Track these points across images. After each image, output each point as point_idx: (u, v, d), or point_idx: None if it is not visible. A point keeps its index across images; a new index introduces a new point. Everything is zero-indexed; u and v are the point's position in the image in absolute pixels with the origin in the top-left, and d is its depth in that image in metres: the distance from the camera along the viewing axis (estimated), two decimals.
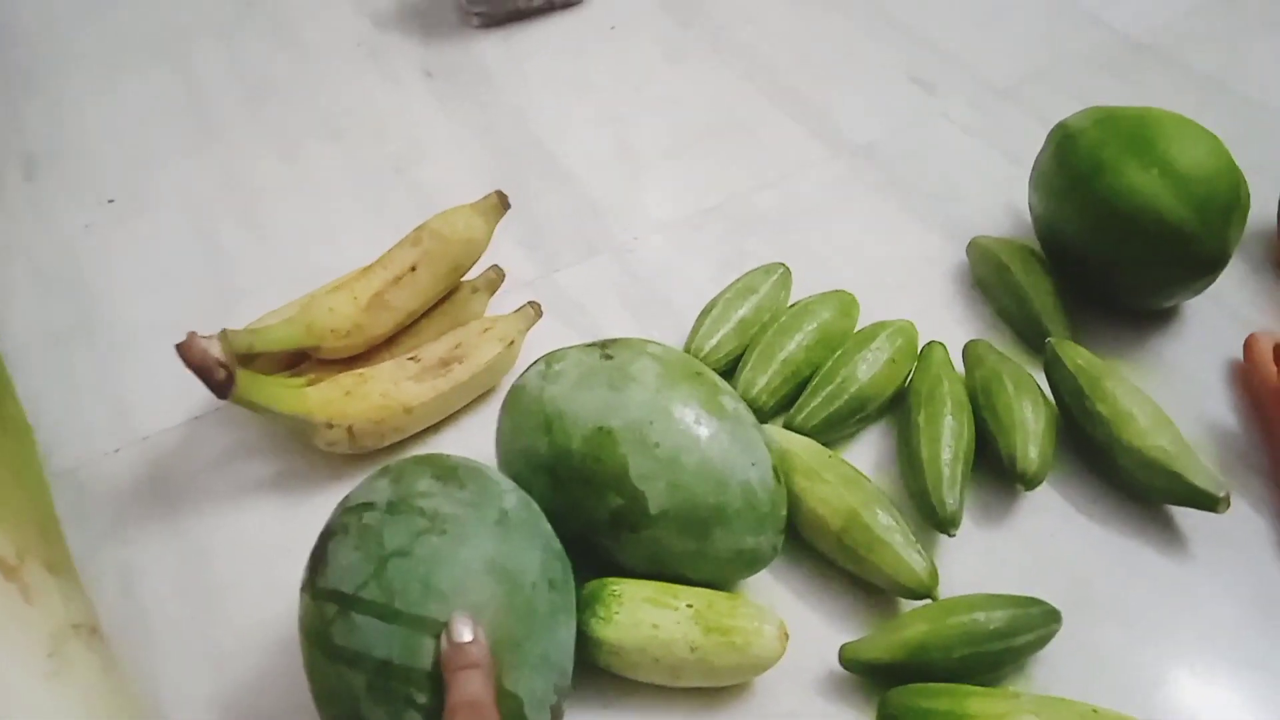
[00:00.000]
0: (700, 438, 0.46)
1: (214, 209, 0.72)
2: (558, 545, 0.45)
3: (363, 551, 0.41)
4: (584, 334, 0.62)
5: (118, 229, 0.71)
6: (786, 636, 0.46)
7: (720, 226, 0.70)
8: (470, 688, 0.37)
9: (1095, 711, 0.43)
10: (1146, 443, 0.51)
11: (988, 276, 0.63)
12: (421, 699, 0.38)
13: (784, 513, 0.48)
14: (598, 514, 0.47)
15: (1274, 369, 0.55)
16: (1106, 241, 0.58)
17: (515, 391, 0.50)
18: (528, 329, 0.59)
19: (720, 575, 0.48)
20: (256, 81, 0.83)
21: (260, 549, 0.53)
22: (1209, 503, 0.50)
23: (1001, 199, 0.70)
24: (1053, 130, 0.62)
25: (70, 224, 0.72)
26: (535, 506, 0.45)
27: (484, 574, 0.40)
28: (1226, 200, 0.56)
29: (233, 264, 0.68)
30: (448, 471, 0.44)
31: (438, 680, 0.38)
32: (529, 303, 0.60)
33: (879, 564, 0.48)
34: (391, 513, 0.41)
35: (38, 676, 0.40)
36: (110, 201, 0.73)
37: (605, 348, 0.50)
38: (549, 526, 0.45)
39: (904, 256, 0.67)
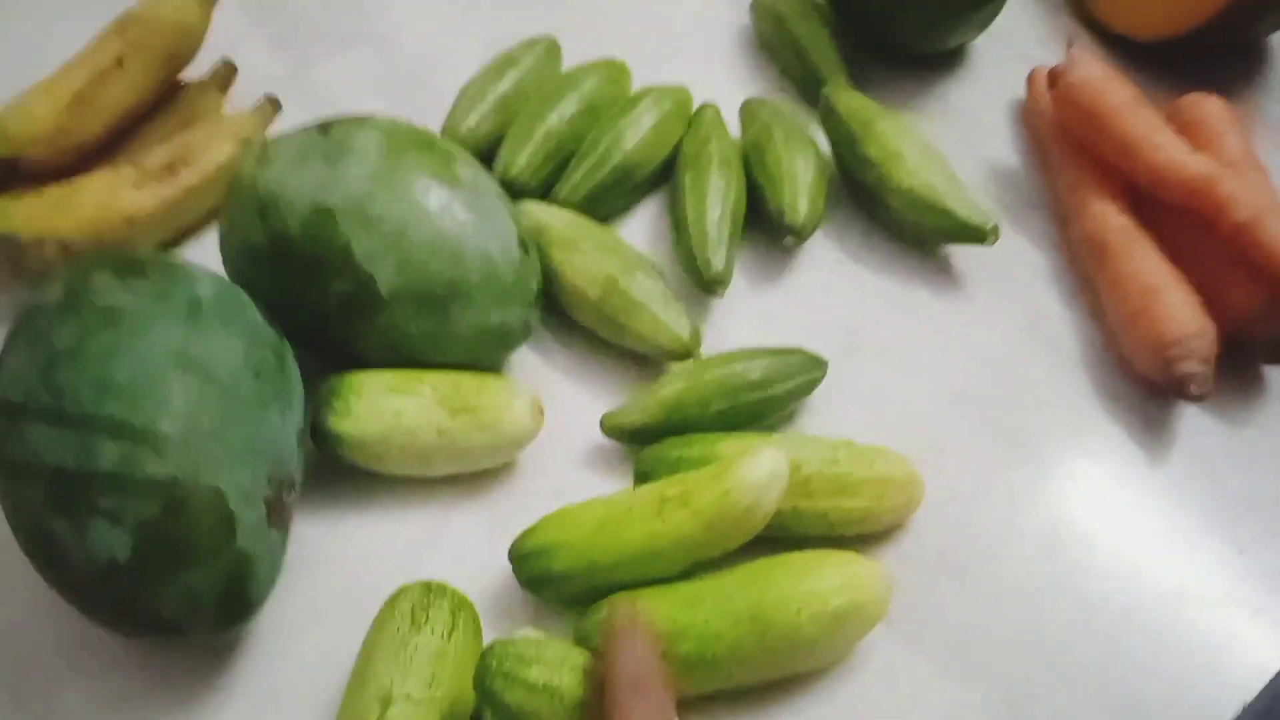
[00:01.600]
0: (430, 209, 0.43)
1: None
2: (271, 334, 0.41)
3: (29, 356, 0.36)
4: None
5: None
6: (541, 411, 0.44)
7: (488, 3, 0.64)
8: (635, 661, 0.33)
9: (847, 444, 0.41)
10: (915, 180, 0.49)
11: (769, 33, 0.60)
12: (106, 503, 0.35)
13: (534, 285, 0.45)
14: (326, 302, 0.43)
15: (1049, 99, 0.53)
16: None
17: (231, 182, 0.45)
18: (265, 127, 0.54)
19: (470, 355, 0.45)
20: None
21: None
22: (978, 235, 0.48)
23: None
24: None
25: None
26: (241, 295, 0.41)
27: (168, 366, 0.37)
28: None
29: None
30: (130, 265, 0.39)
31: (122, 481, 0.34)
32: (265, 97, 0.54)
33: (638, 329, 0.46)
34: (61, 311, 0.37)
35: None
36: None
37: (324, 126, 0.45)
38: (257, 315, 0.41)
39: (688, 19, 0.63)
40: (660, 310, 0.46)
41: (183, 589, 0.36)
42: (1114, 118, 0.48)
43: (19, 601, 0.41)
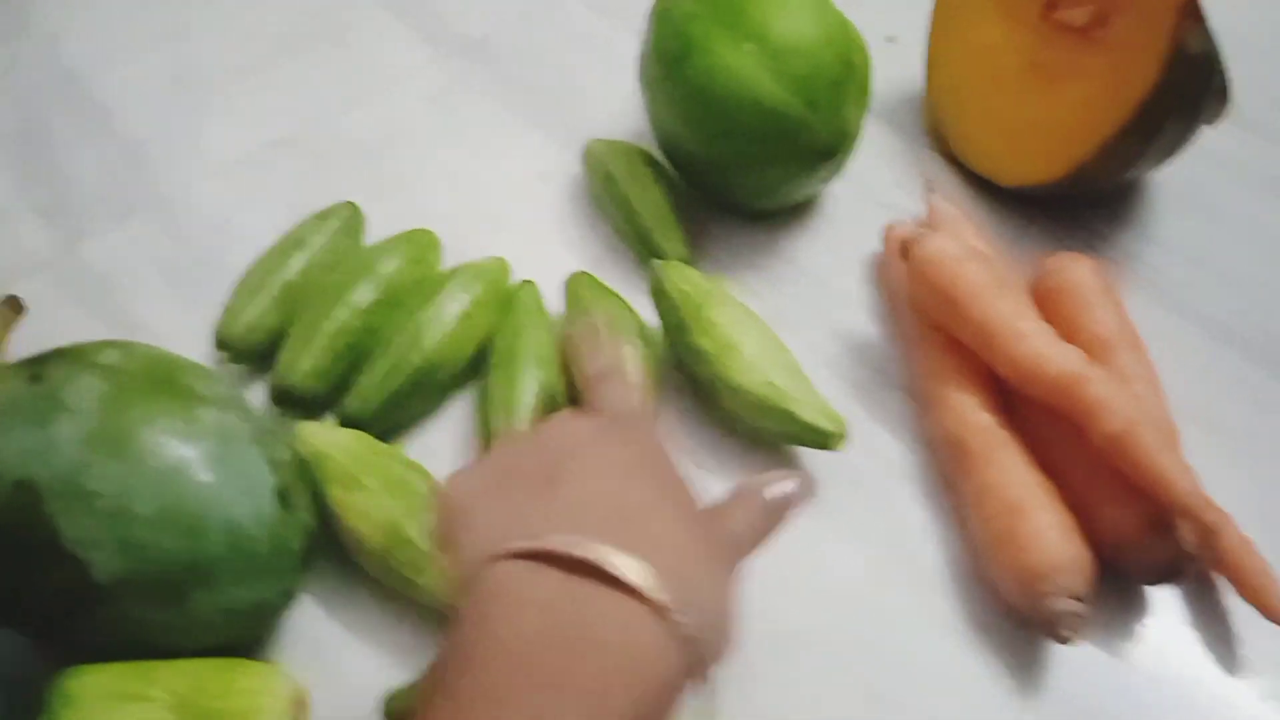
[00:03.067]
0: (161, 474, 0.35)
1: None
2: None
3: None
4: (110, 323, 0.50)
5: None
6: (305, 704, 0.36)
7: (296, 161, 0.57)
8: (613, 355, 0.38)
9: None
10: (750, 379, 0.43)
11: (599, 190, 0.54)
12: None
13: (297, 546, 0.38)
14: (42, 591, 0.35)
15: (902, 269, 0.47)
16: (708, 135, 0.48)
17: None
18: (3, 334, 0.46)
19: (220, 639, 0.37)
20: None
21: None
22: (822, 441, 0.43)
23: (633, 92, 0.59)
24: (654, 6, 0.52)
25: None
26: None
27: None
28: (835, 74, 0.47)
29: None
30: None
31: None
32: (7, 298, 0.47)
33: (429, 584, 0.39)
34: None
35: None
36: None
37: (36, 367, 0.37)
38: None
39: (518, 175, 0.56)
40: None
41: None
42: (971, 301, 0.43)
43: None
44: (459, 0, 0.66)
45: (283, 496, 0.38)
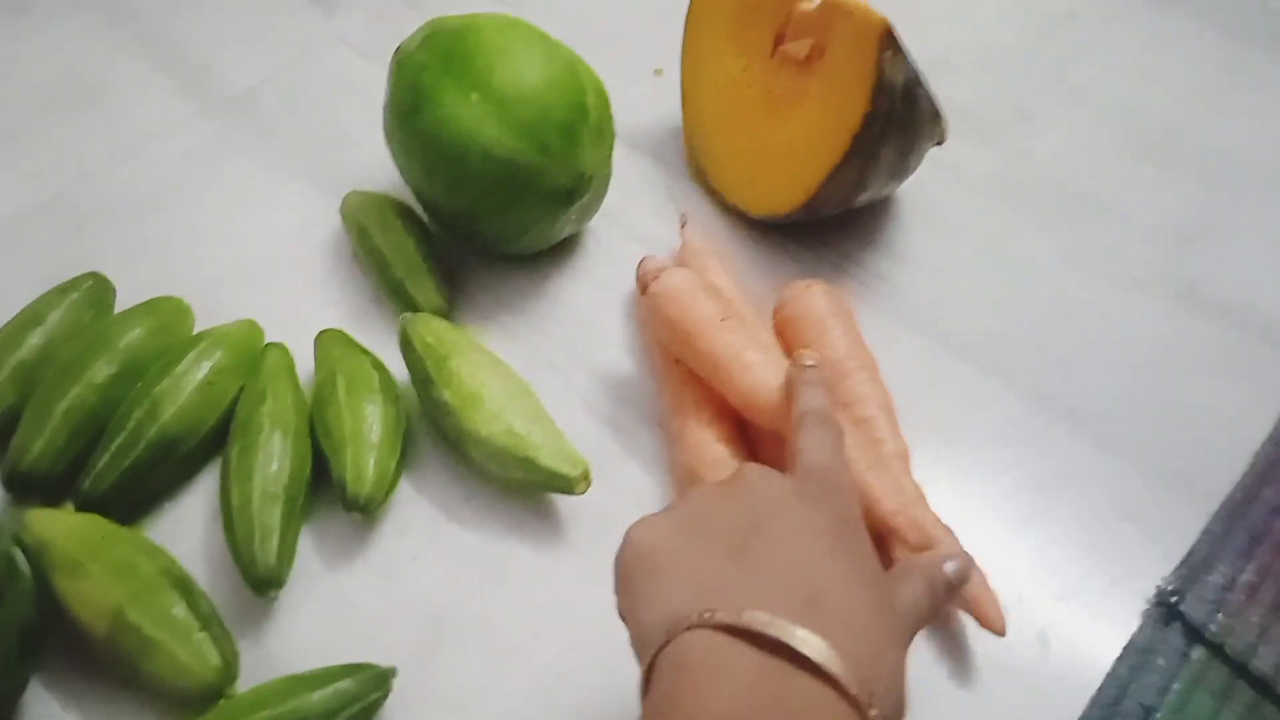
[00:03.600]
0: None
1: None
2: None
3: None
4: None
5: None
6: None
7: (50, 229, 0.56)
8: (816, 399, 0.38)
9: None
10: (492, 428, 0.43)
11: (356, 243, 0.53)
12: None
13: (11, 641, 0.37)
14: None
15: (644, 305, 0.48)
16: (447, 185, 0.49)
17: None
18: None
19: None
20: None
21: None
22: (566, 485, 0.43)
23: None
24: (394, 53, 0.52)
25: None
26: None
27: None
28: (565, 118, 0.47)
29: None
30: None
31: None
32: None
33: (155, 670, 0.38)
34: None
35: None
36: None
37: None
38: None
39: (279, 231, 0.56)
40: (178, 645, 0.38)
41: None
42: (701, 333, 0.44)
43: None
44: (224, 52, 0.65)
45: None
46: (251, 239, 0.55)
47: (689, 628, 0.29)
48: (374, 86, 0.61)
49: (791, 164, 0.50)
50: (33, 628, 0.38)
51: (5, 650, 0.37)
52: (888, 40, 0.45)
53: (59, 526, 0.41)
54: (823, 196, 0.49)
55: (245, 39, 0.66)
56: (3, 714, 0.38)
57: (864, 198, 0.51)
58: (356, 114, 0.61)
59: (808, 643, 0.28)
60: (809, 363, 0.40)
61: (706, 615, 0.29)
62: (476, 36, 0.48)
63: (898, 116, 0.47)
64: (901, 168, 0.50)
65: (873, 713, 0.28)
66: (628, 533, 0.33)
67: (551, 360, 0.50)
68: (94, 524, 0.41)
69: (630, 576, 0.32)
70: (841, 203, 0.50)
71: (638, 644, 0.31)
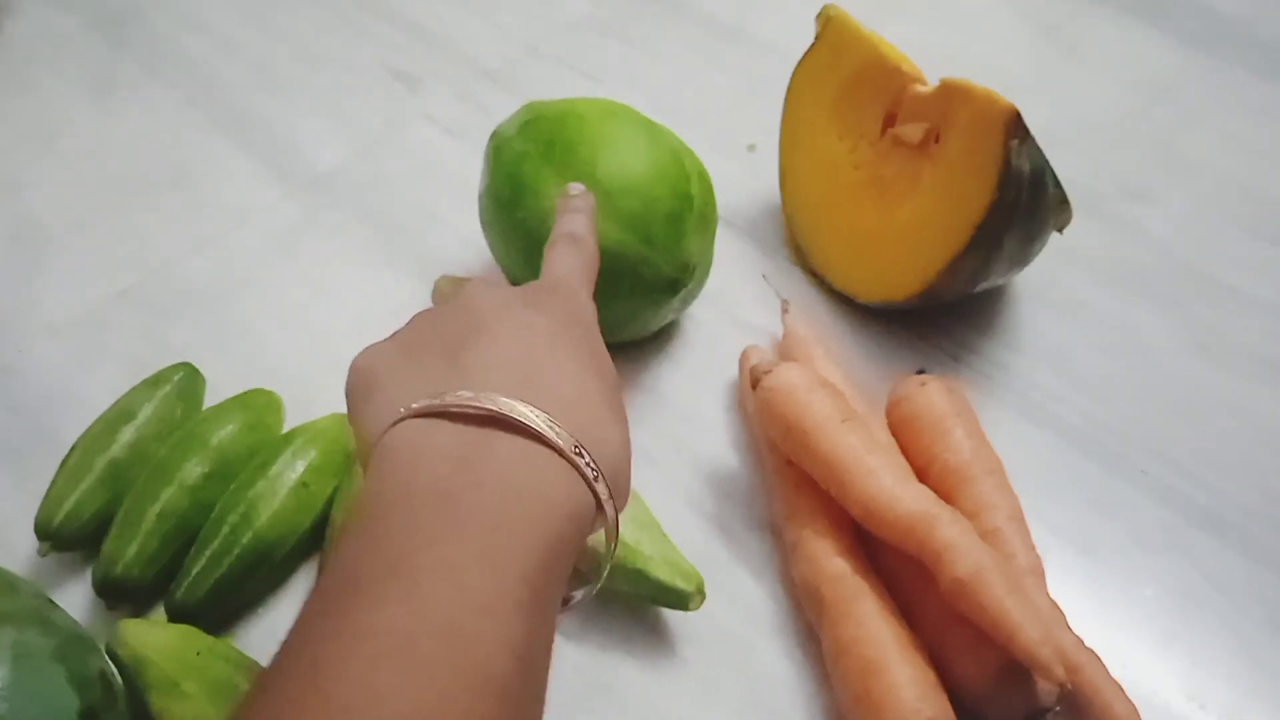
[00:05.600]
0: None
1: None
2: None
3: None
4: None
5: None
6: None
7: (136, 315, 0.55)
8: (574, 223, 0.39)
9: None
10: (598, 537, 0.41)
11: None
12: None
13: None
14: None
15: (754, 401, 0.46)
16: None
17: None
18: None
19: None
20: None
21: None
22: (679, 601, 0.41)
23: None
24: (490, 138, 0.50)
25: None
26: None
27: None
28: (670, 208, 0.46)
29: None
30: None
31: None
32: None
33: None
34: None
35: None
36: None
37: None
38: None
39: (369, 314, 0.53)
40: None
41: None
42: (819, 435, 0.41)
43: None
44: (308, 131, 0.65)
45: (88, 716, 0.35)
46: (338, 324, 0.54)
47: (396, 422, 0.29)
48: (459, 163, 0.60)
49: (906, 251, 0.48)
50: None
51: None
52: (1015, 127, 0.43)
53: (154, 641, 0.39)
54: (940, 286, 0.47)
55: (328, 116, 0.66)
56: None
57: (983, 286, 0.48)
58: (443, 192, 0.60)
59: (514, 407, 0.28)
60: (574, 192, 0.41)
61: (415, 406, 0.29)
62: (579, 124, 0.46)
63: (1024, 205, 0.44)
64: (1024, 256, 0.47)
65: (582, 459, 0.28)
66: (352, 361, 0.33)
67: (651, 456, 0.48)
68: (190, 638, 0.39)
69: (353, 399, 0.32)
70: (959, 292, 0.48)
71: (362, 461, 0.31)
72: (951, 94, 0.45)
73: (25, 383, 0.52)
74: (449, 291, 0.51)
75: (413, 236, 0.58)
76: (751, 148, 0.61)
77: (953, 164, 0.45)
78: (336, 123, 0.65)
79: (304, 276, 0.57)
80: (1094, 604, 0.42)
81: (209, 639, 0.40)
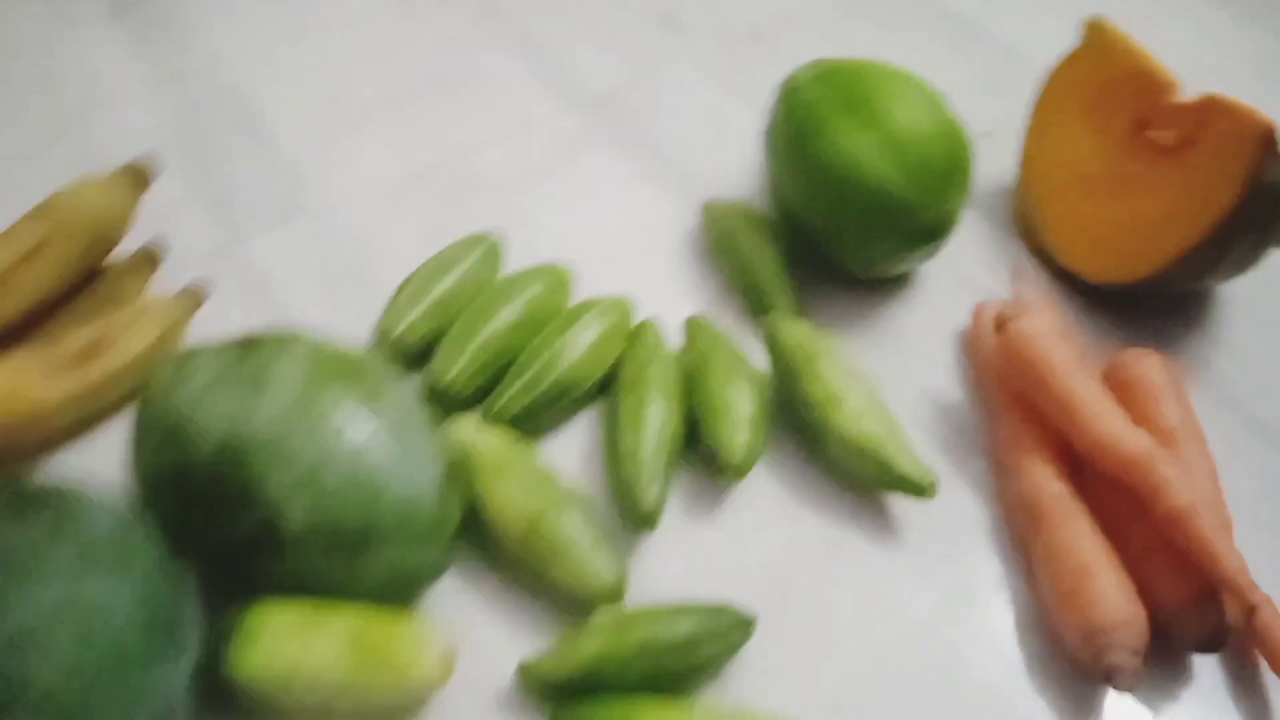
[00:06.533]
0: (348, 449, 0.41)
1: None
2: (167, 575, 0.39)
3: None
4: (268, 316, 0.55)
5: None
6: (451, 662, 0.41)
7: (435, 188, 0.63)
8: None
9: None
10: (855, 428, 0.48)
11: (717, 244, 0.59)
12: None
13: (453, 524, 0.43)
14: (233, 535, 0.41)
15: (993, 342, 0.52)
16: (826, 207, 0.54)
17: (143, 395, 0.43)
18: (190, 315, 0.52)
19: (380, 597, 0.42)
20: None
21: None
22: (915, 490, 0.48)
23: (742, 155, 0.66)
24: (782, 85, 0.58)
25: None
26: (138, 533, 0.39)
27: (53, 617, 0.34)
28: (945, 166, 0.53)
29: None
30: (25, 498, 0.37)
31: None
32: (190, 284, 0.52)
33: (562, 574, 0.44)
34: None
35: None
36: None
37: (246, 344, 0.43)
38: (154, 553, 0.39)
39: (635, 222, 0.62)
40: (585, 555, 0.44)
41: None
42: (1057, 379, 0.48)
43: None
44: (583, 57, 0.72)
45: (445, 480, 0.43)
46: (610, 226, 0.62)
47: None
48: (719, 107, 0.68)
49: (1141, 239, 0.54)
50: (462, 526, 0.44)
51: (446, 533, 0.43)
52: (1269, 142, 0.49)
53: (480, 437, 0.47)
54: (1167, 275, 0.53)
55: (602, 48, 0.73)
56: (424, 586, 0.44)
57: (1204, 283, 0.54)
58: (701, 130, 0.67)
59: None
60: None
61: None
62: (877, 80, 0.53)
63: (1261, 216, 0.50)
64: (1246, 262, 0.53)
65: None
66: None
67: (883, 379, 0.55)
68: (507, 440, 0.47)
69: None
70: (1179, 284, 0.54)
71: None
72: (1213, 105, 0.51)
73: (342, 228, 0.60)
74: (716, 213, 0.58)
75: (675, 163, 0.66)
76: (987, 135, 0.67)
77: (1201, 168, 0.52)
78: (608, 55, 0.73)
79: (580, 181, 0.64)
80: (1264, 568, 0.48)
81: (522, 444, 0.48)
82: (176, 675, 0.38)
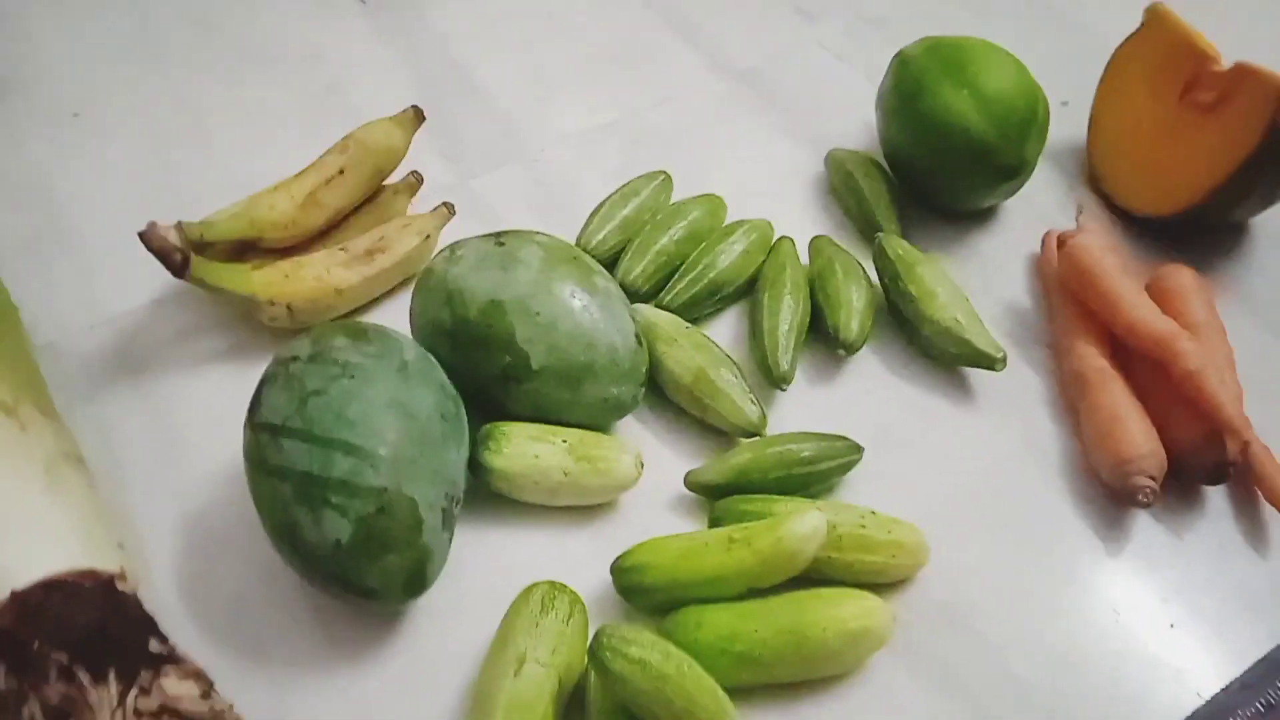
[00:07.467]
0: (574, 309, 0.57)
1: (167, 128, 0.81)
2: (452, 390, 0.56)
3: (289, 392, 0.51)
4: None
5: (81, 146, 0.79)
6: (642, 465, 0.58)
7: (616, 140, 0.80)
8: None
9: (873, 513, 0.55)
10: (944, 315, 0.63)
11: (838, 183, 0.75)
12: (336, 500, 0.49)
13: (644, 370, 0.60)
14: (491, 371, 0.58)
15: (1054, 255, 0.67)
16: (927, 151, 0.69)
17: (424, 273, 0.61)
18: (442, 226, 0.69)
19: (592, 419, 0.59)
20: (201, 14, 0.91)
21: (214, 406, 0.63)
22: (989, 362, 0.62)
23: (860, 117, 0.80)
24: (894, 57, 0.73)
25: (38, 139, 0.80)
26: (433, 360, 0.56)
27: (385, 408, 0.51)
28: (1023, 117, 0.67)
29: (184, 176, 0.77)
30: (358, 331, 0.54)
31: (349, 486, 0.49)
32: (444, 203, 0.70)
33: (720, 410, 0.60)
34: (311, 362, 0.52)
35: (37, 490, 0.50)
36: (75, 115, 0.81)
37: (499, 237, 0.60)
38: (444, 376, 0.56)
39: (772, 166, 0.78)
40: (737, 398, 0.60)
41: (382, 567, 0.50)
42: (1103, 279, 0.62)
43: (247, 576, 0.56)
44: (730, 37, 0.88)
45: (639, 337, 0.59)
46: (754, 169, 0.77)
47: None
48: (845, 81, 0.83)
49: (1181, 179, 0.67)
50: (648, 374, 0.61)
51: (640, 374, 0.59)
52: None
53: (658, 316, 0.63)
54: (1203, 207, 0.66)
55: (746, 30, 0.89)
56: (623, 413, 0.60)
57: (1236, 215, 0.67)
58: (829, 99, 0.83)
59: None
60: None
61: None
62: (972, 51, 0.68)
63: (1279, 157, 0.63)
64: (1269, 198, 0.66)
65: None
66: None
67: (968, 288, 0.69)
68: (677, 319, 0.63)
69: None
70: (1215, 216, 0.67)
71: None
72: (1243, 70, 0.65)
73: (547, 170, 0.78)
74: (838, 158, 0.73)
75: (808, 124, 0.81)
76: (1065, 104, 0.81)
77: (1232, 119, 0.65)
78: (752, 36, 0.89)
79: (731, 136, 0.80)
80: (1269, 432, 0.61)
81: (688, 324, 0.64)
82: (458, 459, 0.55)
